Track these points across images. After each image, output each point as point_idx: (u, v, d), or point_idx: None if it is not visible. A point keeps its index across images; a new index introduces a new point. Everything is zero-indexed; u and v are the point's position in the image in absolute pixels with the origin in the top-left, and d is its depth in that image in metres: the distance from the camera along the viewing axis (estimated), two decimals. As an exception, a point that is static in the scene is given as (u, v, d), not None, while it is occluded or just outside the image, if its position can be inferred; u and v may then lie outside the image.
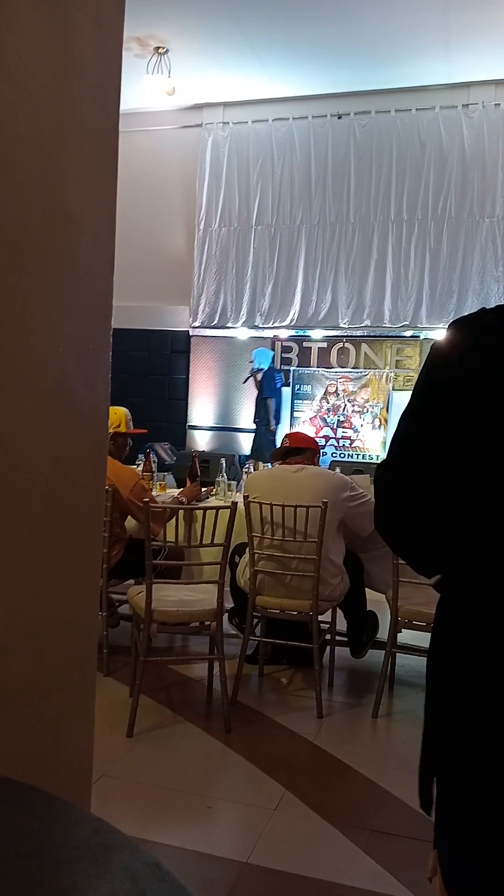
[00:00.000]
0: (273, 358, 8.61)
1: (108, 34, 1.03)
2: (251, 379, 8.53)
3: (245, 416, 8.99)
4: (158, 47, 6.94)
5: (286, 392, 8.85)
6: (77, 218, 0.99)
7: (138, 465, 4.34)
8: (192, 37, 6.74)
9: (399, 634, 3.34)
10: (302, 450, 3.68)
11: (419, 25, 6.29)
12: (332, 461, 6.82)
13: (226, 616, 3.94)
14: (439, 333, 8.13)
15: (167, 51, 6.98)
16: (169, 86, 7.07)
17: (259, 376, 8.43)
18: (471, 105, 7.59)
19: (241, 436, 8.97)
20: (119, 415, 3.83)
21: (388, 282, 8.00)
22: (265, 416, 8.50)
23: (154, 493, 4.14)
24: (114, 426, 3.78)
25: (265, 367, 8.49)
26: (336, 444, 8.66)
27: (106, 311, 1.06)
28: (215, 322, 8.64)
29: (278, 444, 5.79)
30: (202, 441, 9.03)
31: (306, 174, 8.20)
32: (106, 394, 1.07)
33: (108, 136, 1.04)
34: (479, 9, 5.97)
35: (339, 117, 8.04)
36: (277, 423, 8.52)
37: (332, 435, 8.68)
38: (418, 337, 8.35)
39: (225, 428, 9.06)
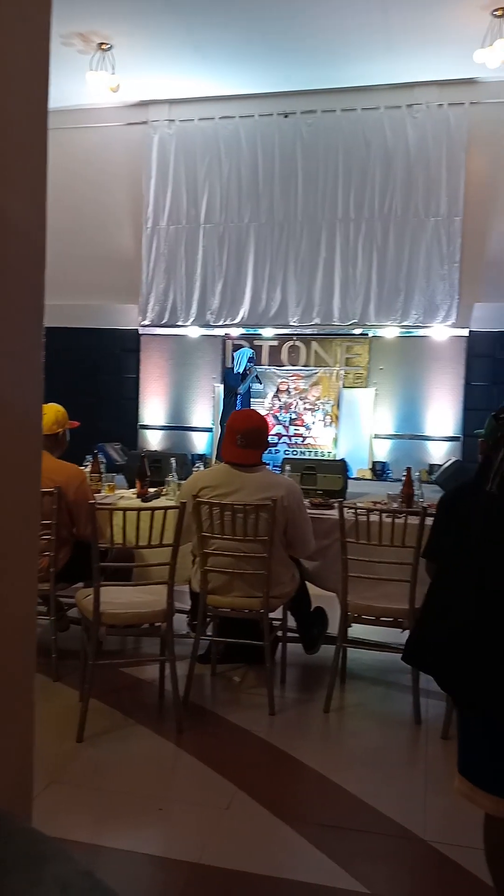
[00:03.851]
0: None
1: (34, 25, 1.01)
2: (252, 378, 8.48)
3: (197, 414, 8.96)
4: (102, 44, 6.86)
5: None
6: (5, 215, 0.96)
7: (86, 465, 4.28)
8: (135, 34, 6.68)
9: (349, 629, 3.37)
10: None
11: (361, 26, 6.36)
12: (284, 458, 6.83)
13: (186, 617, 3.91)
14: (388, 331, 8.22)
15: (111, 47, 6.90)
16: (113, 83, 6.99)
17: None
18: (415, 105, 7.70)
19: (193, 435, 8.94)
20: (50, 415, 3.58)
21: (336, 280, 8.05)
22: None
23: (103, 494, 4.08)
24: (48, 426, 3.52)
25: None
26: (288, 442, 8.71)
27: (37, 309, 1.03)
28: (165, 320, 8.58)
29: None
30: (154, 441, 8.97)
31: (253, 173, 8.20)
32: (38, 393, 1.04)
33: (36, 131, 1.02)
34: (416, 13, 6.07)
35: (286, 116, 8.06)
36: None
37: (284, 432, 8.72)
38: (367, 335, 8.43)
39: (177, 427, 9.01)
